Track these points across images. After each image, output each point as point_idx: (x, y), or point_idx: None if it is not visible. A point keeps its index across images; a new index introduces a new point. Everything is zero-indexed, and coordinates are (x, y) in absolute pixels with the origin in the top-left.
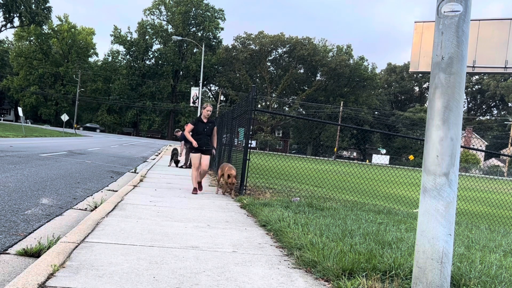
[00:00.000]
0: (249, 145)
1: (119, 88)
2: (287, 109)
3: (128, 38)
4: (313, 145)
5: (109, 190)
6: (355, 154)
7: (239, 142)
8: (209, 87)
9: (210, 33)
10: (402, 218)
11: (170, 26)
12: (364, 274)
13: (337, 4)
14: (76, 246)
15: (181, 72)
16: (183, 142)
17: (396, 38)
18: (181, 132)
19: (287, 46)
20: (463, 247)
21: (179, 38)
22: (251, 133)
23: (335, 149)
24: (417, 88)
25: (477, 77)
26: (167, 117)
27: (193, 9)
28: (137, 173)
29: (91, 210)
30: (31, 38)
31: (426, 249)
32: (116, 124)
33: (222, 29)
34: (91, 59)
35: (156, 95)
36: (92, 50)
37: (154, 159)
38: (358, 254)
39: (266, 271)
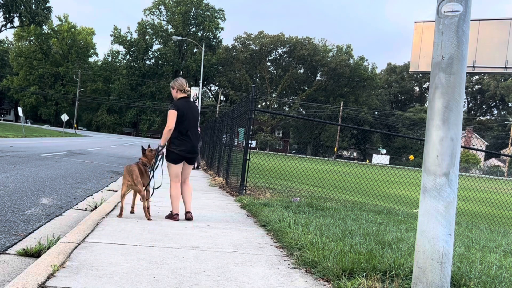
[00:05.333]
0: (249, 145)
1: (119, 88)
2: (287, 109)
3: (128, 38)
4: (313, 145)
5: (109, 190)
6: (355, 154)
7: (239, 142)
8: (209, 87)
9: (210, 33)
10: (402, 218)
11: (170, 26)
12: (364, 274)
13: (338, 4)
14: (76, 246)
15: (181, 72)
16: None
17: (396, 38)
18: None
19: (287, 46)
20: (463, 247)
21: (179, 38)
22: (251, 133)
23: (335, 149)
24: (417, 88)
25: (477, 77)
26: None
27: (193, 9)
28: None
29: (91, 210)
30: (31, 38)
31: (426, 249)
32: (116, 124)
33: (222, 29)
34: (91, 59)
35: (156, 95)
36: (92, 50)
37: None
38: (358, 254)
39: (266, 271)
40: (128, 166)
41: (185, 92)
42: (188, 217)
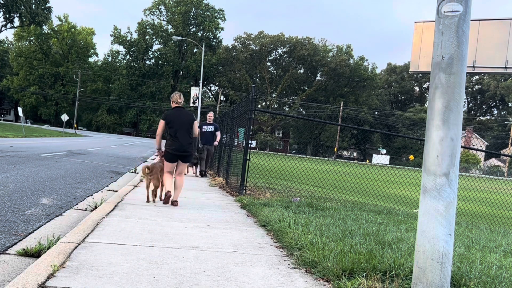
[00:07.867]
0: (249, 145)
1: (119, 88)
2: (287, 109)
3: (128, 38)
4: (313, 145)
5: (109, 190)
6: (355, 154)
7: (239, 142)
8: (209, 87)
9: (210, 33)
10: (402, 218)
11: (170, 26)
12: (364, 274)
13: (338, 4)
14: (76, 246)
15: (181, 72)
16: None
17: (397, 38)
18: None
19: (287, 46)
20: (463, 247)
21: (179, 38)
22: (251, 133)
23: (335, 149)
24: (417, 88)
25: (477, 77)
26: None
27: (193, 9)
28: (137, 173)
29: (91, 210)
30: (31, 38)
31: (426, 249)
32: (116, 124)
33: (222, 29)
34: (91, 59)
35: (156, 95)
36: (92, 50)
37: (154, 159)
38: (358, 254)
39: (266, 271)
40: (151, 165)
41: (177, 103)
42: (174, 204)
